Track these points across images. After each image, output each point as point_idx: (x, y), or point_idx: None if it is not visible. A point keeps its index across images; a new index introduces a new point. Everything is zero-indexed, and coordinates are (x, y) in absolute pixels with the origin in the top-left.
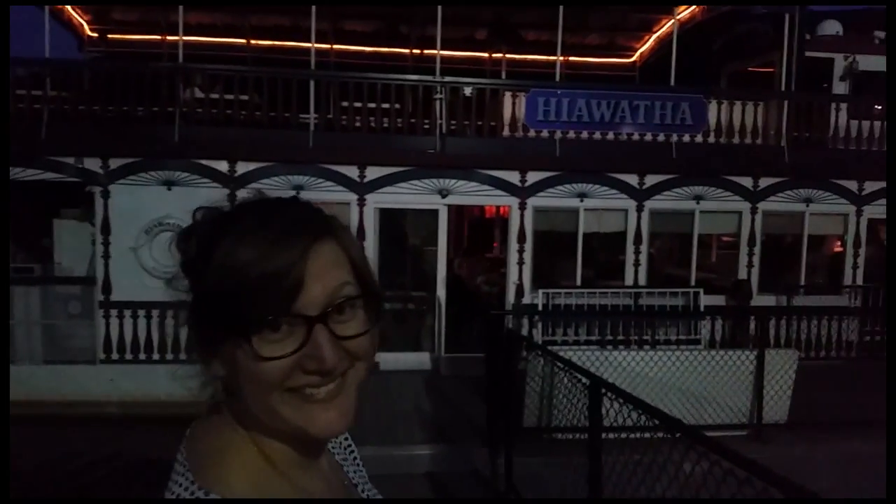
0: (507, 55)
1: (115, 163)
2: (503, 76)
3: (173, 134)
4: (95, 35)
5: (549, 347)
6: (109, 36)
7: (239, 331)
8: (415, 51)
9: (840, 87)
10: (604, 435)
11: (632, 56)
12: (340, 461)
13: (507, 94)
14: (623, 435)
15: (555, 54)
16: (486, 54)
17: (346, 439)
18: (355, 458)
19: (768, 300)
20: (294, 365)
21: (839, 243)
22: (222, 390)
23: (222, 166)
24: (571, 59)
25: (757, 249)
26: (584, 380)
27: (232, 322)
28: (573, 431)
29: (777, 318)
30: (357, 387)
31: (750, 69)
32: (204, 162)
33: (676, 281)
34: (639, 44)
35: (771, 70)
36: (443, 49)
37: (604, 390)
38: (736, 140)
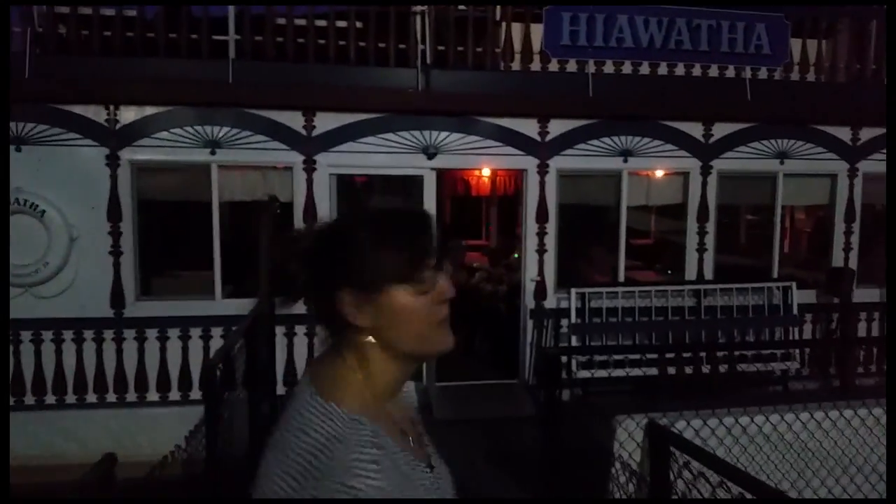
0: None
1: None
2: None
3: (23, 67)
4: None
5: (587, 372)
6: None
7: (403, 277)
8: None
9: None
10: None
11: None
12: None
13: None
14: None
15: None
16: None
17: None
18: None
19: (870, 294)
20: (432, 302)
21: None
22: (341, 339)
23: (99, 115)
24: None
25: (856, 226)
26: None
27: (398, 271)
28: None
29: None
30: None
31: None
32: (72, 109)
33: (746, 271)
34: None
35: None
36: None
37: None
38: (824, 78)
